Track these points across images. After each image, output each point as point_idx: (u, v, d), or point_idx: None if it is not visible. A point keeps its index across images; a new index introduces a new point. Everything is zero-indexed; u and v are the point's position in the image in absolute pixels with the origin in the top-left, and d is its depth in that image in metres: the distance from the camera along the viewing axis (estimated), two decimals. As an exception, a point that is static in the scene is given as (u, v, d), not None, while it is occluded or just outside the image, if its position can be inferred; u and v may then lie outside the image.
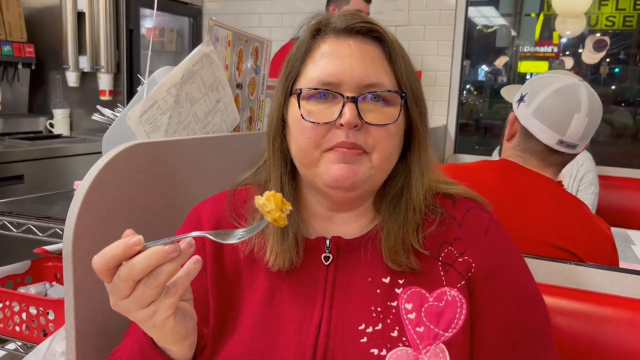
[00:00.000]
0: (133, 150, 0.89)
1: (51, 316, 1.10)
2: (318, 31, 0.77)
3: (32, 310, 1.11)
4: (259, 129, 1.53)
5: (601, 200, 2.44)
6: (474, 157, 3.13)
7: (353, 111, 0.71)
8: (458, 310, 0.73)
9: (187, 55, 1.13)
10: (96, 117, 1.37)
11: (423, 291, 0.74)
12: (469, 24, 3.33)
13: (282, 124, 0.79)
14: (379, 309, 0.73)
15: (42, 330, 1.12)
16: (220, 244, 0.76)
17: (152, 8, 3.38)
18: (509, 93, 1.80)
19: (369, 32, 0.75)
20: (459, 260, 0.75)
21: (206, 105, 1.20)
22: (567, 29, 3.55)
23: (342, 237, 0.78)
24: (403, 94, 0.75)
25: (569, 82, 1.26)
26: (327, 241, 0.78)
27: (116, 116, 1.33)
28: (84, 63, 3.18)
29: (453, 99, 3.29)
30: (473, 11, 4.19)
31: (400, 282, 0.74)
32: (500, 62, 4.93)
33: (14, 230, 1.15)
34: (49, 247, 1.31)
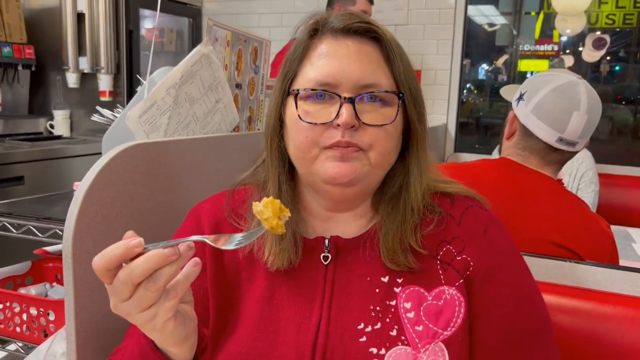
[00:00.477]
0: (132, 151, 0.89)
1: (51, 317, 1.10)
2: (315, 31, 0.77)
3: (33, 311, 1.12)
4: (258, 129, 1.53)
5: (601, 199, 2.44)
6: (474, 155, 3.12)
7: (350, 112, 0.71)
8: (457, 308, 0.73)
9: (186, 56, 1.13)
10: (96, 117, 1.37)
11: (422, 290, 0.74)
12: (468, 22, 3.33)
13: (279, 124, 0.79)
14: (377, 308, 0.73)
15: (42, 331, 1.12)
16: None
17: (152, 9, 3.39)
18: (508, 93, 1.80)
19: (367, 32, 0.75)
20: (457, 258, 0.75)
21: (205, 106, 1.20)
22: (567, 27, 3.55)
23: (341, 237, 0.78)
24: (401, 95, 0.75)
25: (568, 79, 1.26)
26: (326, 241, 0.78)
27: (116, 117, 1.33)
28: (84, 64, 3.18)
29: (453, 97, 3.29)
30: (472, 10, 4.18)
31: (399, 281, 0.74)
32: (500, 60, 4.92)
33: (14, 231, 1.16)
34: (49, 248, 1.31)
